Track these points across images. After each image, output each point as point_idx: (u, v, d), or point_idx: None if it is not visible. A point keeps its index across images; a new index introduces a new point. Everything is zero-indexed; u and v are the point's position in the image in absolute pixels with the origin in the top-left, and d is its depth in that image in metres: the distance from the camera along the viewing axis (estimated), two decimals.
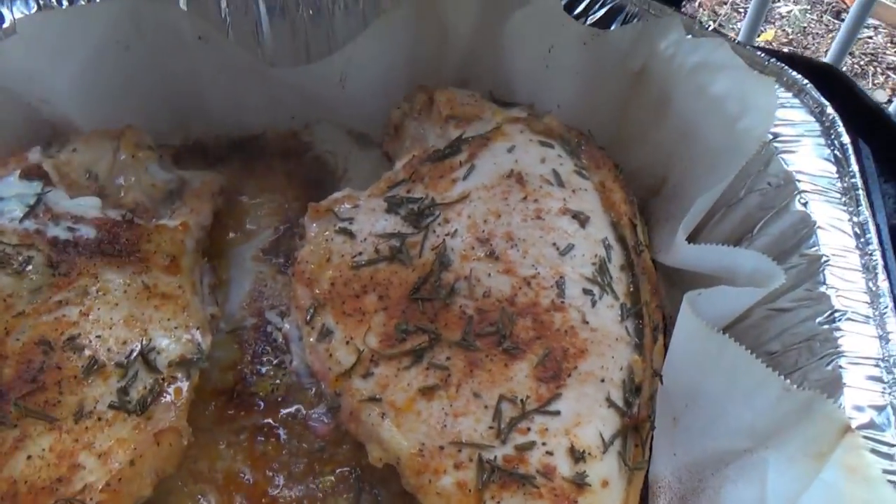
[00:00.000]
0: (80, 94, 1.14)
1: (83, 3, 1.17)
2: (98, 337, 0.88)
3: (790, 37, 3.48)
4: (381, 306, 0.86)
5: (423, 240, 0.88)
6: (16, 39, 1.05)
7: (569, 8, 1.09)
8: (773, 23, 3.47)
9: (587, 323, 0.81)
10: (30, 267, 0.90)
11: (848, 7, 1.48)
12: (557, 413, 0.76)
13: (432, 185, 0.93)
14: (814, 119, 0.93)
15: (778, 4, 3.49)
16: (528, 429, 0.76)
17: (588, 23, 1.08)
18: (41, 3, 1.16)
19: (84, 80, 1.13)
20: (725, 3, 3.42)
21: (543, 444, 0.75)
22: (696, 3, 3.36)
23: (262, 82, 1.21)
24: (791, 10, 3.51)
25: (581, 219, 0.88)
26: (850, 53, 3.11)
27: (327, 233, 0.94)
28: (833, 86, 1.25)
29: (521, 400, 0.77)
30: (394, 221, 0.91)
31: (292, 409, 0.98)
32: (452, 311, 0.83)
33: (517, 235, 0.86)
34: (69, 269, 0.92)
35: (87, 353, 0.86)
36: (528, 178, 0.90)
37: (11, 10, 1.14)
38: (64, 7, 1.14)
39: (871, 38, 3.19)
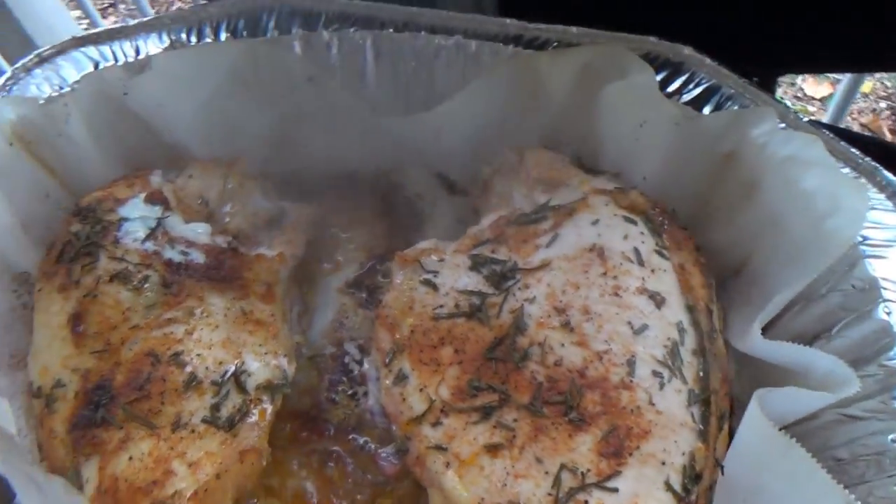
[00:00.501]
0: (199, 124, 1.24)
1: (209, 40, 1.28)
2: (199, 355, 0.96)
3: (889, 91, 3.36)
4: (456, 360, 0.91)
5: (503, 302, 0.93)
6: (151, 74, 1.16)
7: (664, 84, 1.12)
8: (872, 76, 3.36)
9: (653, 405, 0.84)
10: (147, 285, 1.00)
11: None
12: (616, 490, 0.79)
13: (516, 248, 0.98)
14: None
15: None
16: (585, 501, 0.79)
17: (682, 100, 1.11)
18: (172, 38, 1.28)
19: (205, 111, 1.24)
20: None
21: None
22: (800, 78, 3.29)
23: (362, 124, 1.29)
24: None
25: (657, 300, 0.90)
26: None
27: (412, 282, 1.00)
28: None
29: (582, 472, 0.80)
30: (476, 280, 0.96)
31: (361, 441, 1.05)
32: (524, 375, 0.87)
33: (593, 309, 0.89)
34: (179, 290, 1.01)
35: (189, 369, 0.95)
36: (609, 254, 0.93)
37: (146, 43, 1.26)
38: (193, 45, 1.26)
39: None
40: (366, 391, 1.05)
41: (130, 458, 0.89)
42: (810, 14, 1.18)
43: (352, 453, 1.04)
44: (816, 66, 1.56)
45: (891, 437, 0.77)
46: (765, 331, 0.93)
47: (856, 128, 3.16)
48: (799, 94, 3.33)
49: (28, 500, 0.84)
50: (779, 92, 3.25)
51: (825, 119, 2.07)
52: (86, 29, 1.32)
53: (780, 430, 0.76)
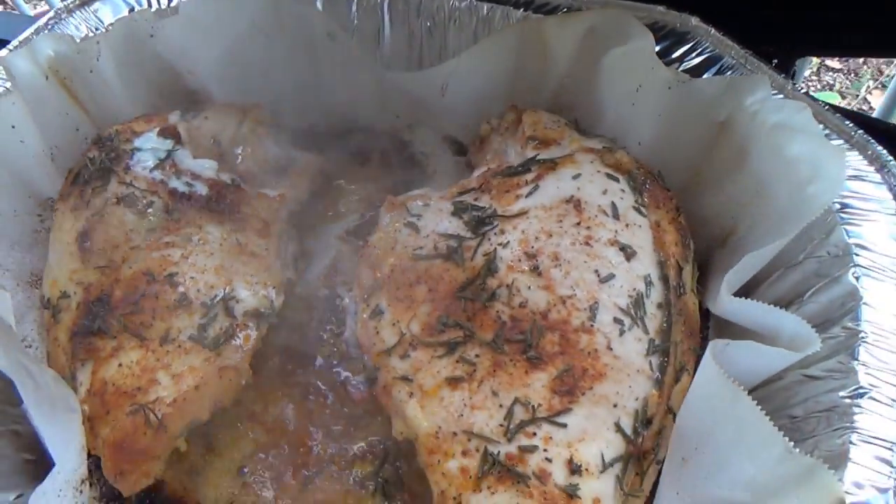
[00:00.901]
0: (221, 70, 1.31)
1: None
2: (192, 278, 1.02)
3: None
4: (429, 297, 0.94)
5: (478, 245, 0.96)
6: (177, 18, 1.23)
7: (667, 52, 1.13)
8: None
9: (611, 350, 0.86)
10: (150, 210, 1.07)
11: None
12: (564, 425, 0.81)
13: (498, 197, 1.00)
14: (892, 196, 0.91)
15: None
16: (534, 434, 0.81)
17: (683, 67, 1.11)
18: None
19: (227, 58, 1.30)
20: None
21: (545, 450, 0.80)
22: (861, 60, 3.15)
23: (375, 82, 1.33)
24: None
25: (628, 252, 0.92)
26: None
27: (397, 224, 1.03)
28: None
29: (533, 406, 0.83)
30: (456, 224, 0.99)
31: (342, 377, 1.09)
32: (489, 315, 0.90)
33: (563, 256, 0.91)
34: (180, 217, 1.07)
35: (181, 289, 1.01)
36: (585, 206, 0.95)
37: None
38: None
39: None
40: (344, 329, 1.10)
41: (120, 365, 0.95)
42: None
43: (332, 387, 1.09)
44: (837, 48, 1.53)
45: (841, 393, 0.77)
46: (744, 297, 0.93)
47: None
48: (863, 106, 3.19)
49: (25, 393, 0.92)
50: (842, 102, 3.14)
51: (875, 114, 2.00)
52: None
53: (735, 382, 0.77)
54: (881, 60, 3.19)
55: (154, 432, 0.90)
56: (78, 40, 1.24)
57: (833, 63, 3.33)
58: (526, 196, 0.99)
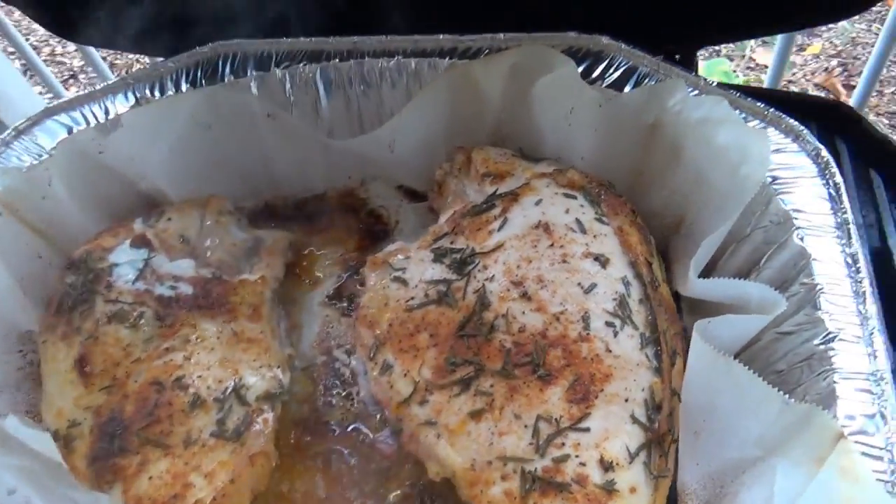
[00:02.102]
0: (170, 169, 1.34)
1: (171, 93, 1.38)
2: (199, 377, 1.05)
3: (839, 48, 3.49)
4: (432, 343, 1.00)
5: (466, 285, 1.02)
6: (121, 131, 1.26)
7: (588, 71, 1.24)
8: (821, 35, 3.49)
9: (610, 351, 0.94)
10: (142, 321, 1.09)
11: None
12: (587, 430, 0.89)
13: (472, 236, 1.08)
14: (811, 161, 1.04)
15: None
16: (563, 444, 0.88)
17: (605, 83, 1.23)
18: (137, 95, 1.38)
19: (173, 157, 1.33)
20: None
21: (577, 456, 0.87)
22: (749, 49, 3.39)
23: (323, 150, 1.39)
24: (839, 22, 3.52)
25: (602, 260, 1.01)
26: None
27: (384, 281, 1.09)
28: (843, 121, 1.36)
29: (556, 419, 0.89)
30: (440, 269, 1.06)
31: (361, 435, 1.13)
32: (493, 345, 0.97)
33: (546, 278, 0.99)
34: (173, 321, 1.10)
35: (192, 390, 1.03)
36: (554, 228, 1.04)
37: (115, 104, 1.36)
38: (157, 99, 1.36)
39: None
40: (359, 390, 1.14)
41: (150, 479, 0.97)
42: None
43: (353, 447, 1.12)
44: (727, 34, 1.69)
45: (815, 341, 0.87)
46: (707, 276, 1.04)
47: (811, 89, 3.26)
48: (751, 65, 3.46)
49: None
50: (731, 65, 3.39)
51: (765, 84, 2.19)
52: (49, 102, 1.42)
53: (725, 354, 0.86)
54: None
55: None
56: (24, 170, 1.25)
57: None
58: (498, 230, 1.06)
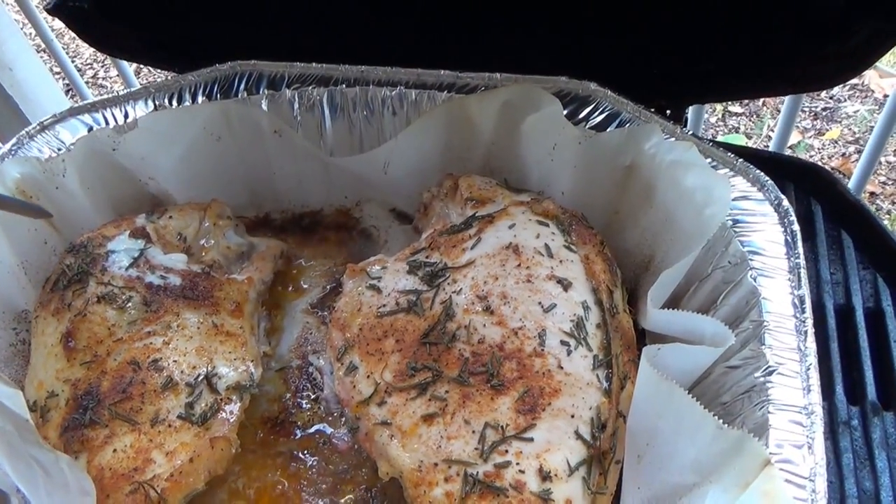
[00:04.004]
0: (179, 173, 1.43)
1: (188, 103, 1.48)
2: (175, 361, 1.10)
3: (856, 135, 3.56)
4: (397, 348, 1.05)
5: (434, 296, 1.08)
6: (137, 131, 1.36)
7: (574, 114, 1.31)
8: (840, 122, 3.57)
9: (562, 368, 0.98)
10: (130, 304, 1.15)
11: None
12: (531, 440, 0.92)
13: (446, 252, 1.14)
14: (772, 209, 1.09)
15: (844, 104, 3.60)
16: (506, 451, 0.91)
17: (589, 125, 1.30)
18: (157, 103, 1.48)
19: (183, 162, 1.42)
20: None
21: (517, 463, 0.90)
22: (761, 102, 3.47)
23: (323, 168, 1.47)
24: (857, 111, 3.60)
25: (564, 284, 1.06)
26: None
27: (360, 288, 1.15)
28: (818, 183, 1.41)
29: (502, 427, 0.93)
30: (413, 281, 1.12)
31: (323, 438, 1.17)
32: (453, 354, 1.01)
33: (510, 294, 1.04)
34: (158, 308, 1.16)
35: (166, 373, 1.08)
36: (523, 250, 1.09)
37: (135, 109, 1.46)
38: (173, 107, 1.46)
39: None
40: (323, 388, 1.18)
41: (115, 451, 1.01)
42: (697, 49, 1.39)
43: (315, 449, 1.16)
44: (717, 95, 1.77)
45: (756, 374, 0.91)
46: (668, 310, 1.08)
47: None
48: (767, 143, 3.53)
49: (35, 489, 0.95)
50: (749, 142, 3.47)
51: (771, 147, 2.25)
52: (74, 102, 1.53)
53: (669, 378, 0.89)
54: (778, 101, 3.55)
55: None
56: (41, 160, 1.34)
57: (735, 108, 3.71)
58: (471, 248, 1.12)
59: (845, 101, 3.59)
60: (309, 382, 1.24)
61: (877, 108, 3.51)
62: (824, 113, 3.60)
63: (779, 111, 3.56)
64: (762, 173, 1.13)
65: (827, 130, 3.57)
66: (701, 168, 1.09)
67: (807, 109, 3.56)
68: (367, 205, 1.53)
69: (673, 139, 1.20)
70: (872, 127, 3.49)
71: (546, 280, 1.05)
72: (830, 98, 3.64)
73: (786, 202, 1.08)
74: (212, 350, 1.14)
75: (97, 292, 1.15)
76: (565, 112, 1.27)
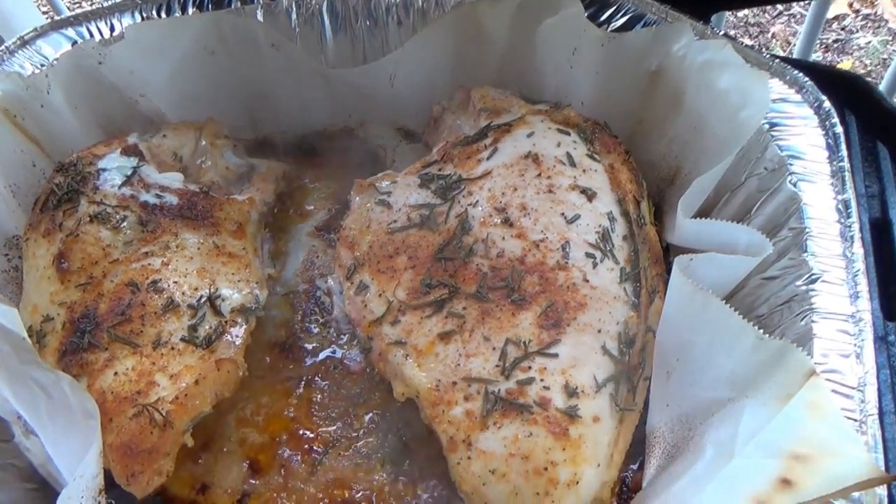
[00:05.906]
0: (171, 90, 1.34)
1: (178, 14, 1.38)
2: (175, 283, 1.04)
3: (868, 68, 3.42)
4: (410, 265, 0.99)
5: (449, 209, 1.01)
6: (123, 43, 1.26)
7: (595, 17, 1.22)
8: (851, 54, 3.43)
9: (588, 281, 0.92)
10: (125, 224, 1.09)
11: None
12: (556, 356, 0.87)
13: (460, 164, 1.06)
14: (812, 112, 1.01)
15: (857, 35, 3.45)
16: (529, 367, 0.86)
17: (610, 28, 1.20)
18: (144, 15, 1.37)
19: (175, 78, 1.33)
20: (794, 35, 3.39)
21: (542, 380, 0.85)
22: (770, 35, 3.37)
23: (324, 84, 1.38)
24: (870, 42, 3.45)
25: (588, 194, 0.99)
26: None
27: (368, 204, 1.08)
28: (854, 91, 1.32)
29: (525, 343, 0.88)
30: (425, 194, 1.05)
31: (334, 363, 1.12)
32: (470, 269, 0.95)
33: (530, 206, 0.98)
34: (155, 228, 1.09)
35: (166, 295, 1.02)
36: (543, 159, 1.02)
37: (121, 22, 1.36)
38: (162, 18, 1.35)
39: None
40: (332, 309, 1.13)
41: (116, 374, 0.96)
42: None
43: (325, 373, 1.11)
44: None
45: (798, 283, 0.85)
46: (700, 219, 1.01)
47: None
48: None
49: (36, 411, 0.90)
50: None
51: (795, 54, 2.13)
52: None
53: (704, 288, 0.83)
54: (788, 33, 3.39)
55: (160, 430, 0.91)
56: (24, 76, 1.25)
57: (745, 39, 3.55)
58: (487, 159, 1.05)
59: (857, 31, 3.43)
60: (317, 306, 1.19)
61: (890, 38, 3.36)
62: (835, 45, 3.44)
63: (789, 43, 3.41)
64: (801, 74, 1.04)
65: (838, 63, 3.43)
66: (737, 67, 1.00)
67: (818, 41, 3.40)
68: (371, 124, 1.44)
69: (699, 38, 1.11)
70: (885, 59, 3.35)
71: (568, 190, 0.98)
72: (842, 30, 3.47)
73: (827, 103, 1.00)
74: (214, 271, 1.08)
75: (89, 211, 1.09)
76: (585, 15, 1.17)
